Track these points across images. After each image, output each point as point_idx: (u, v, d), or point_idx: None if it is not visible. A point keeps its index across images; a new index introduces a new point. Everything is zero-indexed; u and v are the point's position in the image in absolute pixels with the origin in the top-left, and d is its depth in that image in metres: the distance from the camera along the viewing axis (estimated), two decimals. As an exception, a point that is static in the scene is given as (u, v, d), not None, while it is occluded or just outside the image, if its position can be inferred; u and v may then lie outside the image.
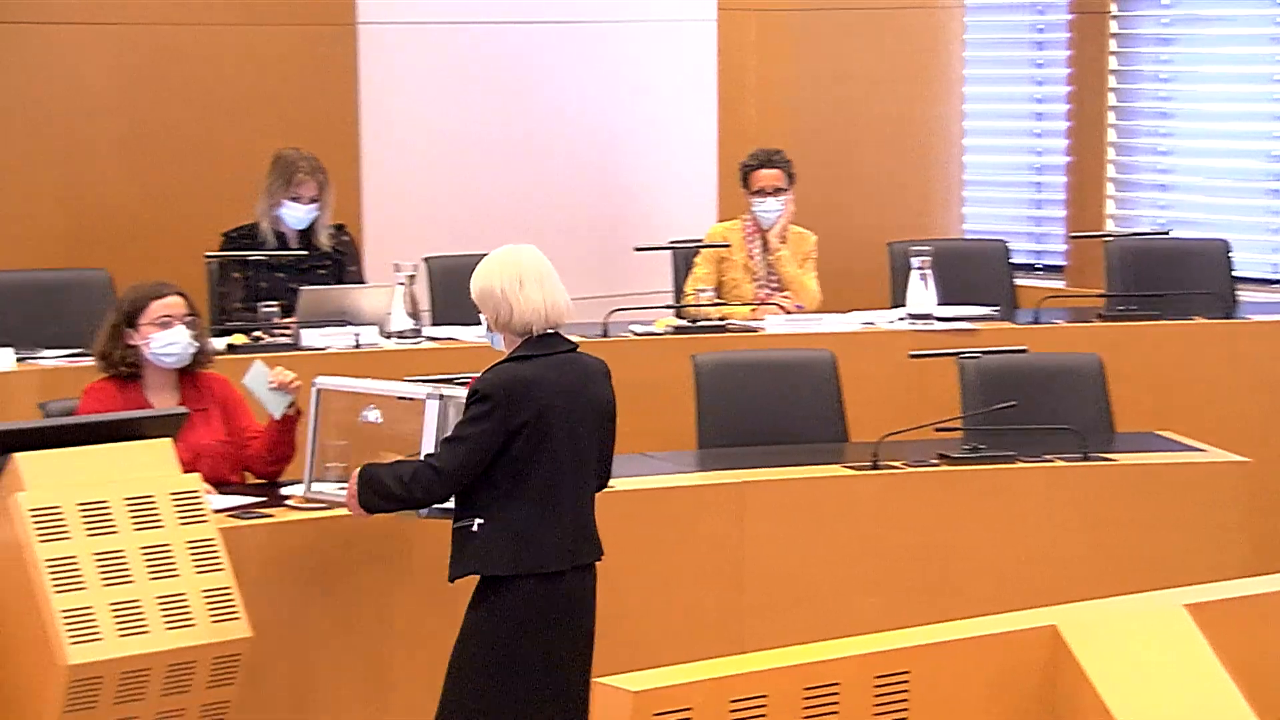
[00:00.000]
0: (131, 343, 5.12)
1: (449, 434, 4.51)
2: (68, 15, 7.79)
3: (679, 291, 7.57)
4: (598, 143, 8.84)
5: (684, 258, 7.62)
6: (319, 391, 4.91)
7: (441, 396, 4.65)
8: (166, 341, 5.10)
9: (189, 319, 5.15)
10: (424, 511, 4.61)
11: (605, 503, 5.26)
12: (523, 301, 4.49)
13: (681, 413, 6.25)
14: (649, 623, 5.30)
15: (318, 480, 4.82)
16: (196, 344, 5.15)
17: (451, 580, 4.48)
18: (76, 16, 7.80)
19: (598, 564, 4.65)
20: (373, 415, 4.83)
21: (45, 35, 7.76)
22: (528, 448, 4.43)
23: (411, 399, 4.72)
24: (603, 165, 8.81)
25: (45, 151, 7.81)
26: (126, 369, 5.12)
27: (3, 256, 7.34)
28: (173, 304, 5.15)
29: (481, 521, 4.45)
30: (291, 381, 5.11)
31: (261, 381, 5.10)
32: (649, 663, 3.45)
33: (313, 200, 7.09)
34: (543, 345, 4.51)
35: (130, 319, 5.14)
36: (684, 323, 7.16)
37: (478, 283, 4.55)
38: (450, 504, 4.52)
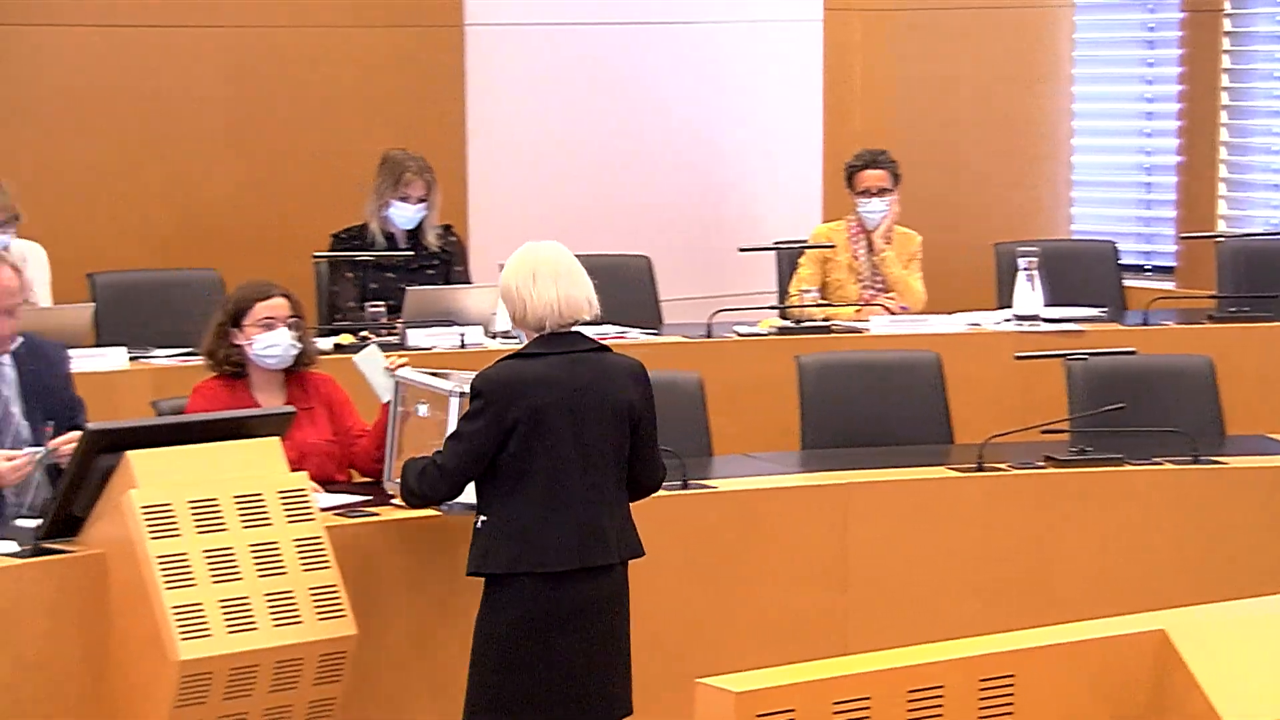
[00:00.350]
0: (236, 342, 5.17)
1: (451, 430, 4.53)
2: (180, 19, 7.89)
3: (783, 292, 7.56)
4: (702, 143, 8.84)
5: (788, 258, 7.60)
6: (398, 384, 4.96)
7: (463, 393, 4.64)
8: (269, 343, 5.15)
9: (292, 320, 5.18)
10: (445, 508, 4.64)
11: (707, 503, 5.28)
12: (535, 298, 4.44)
13: (785, 414, 6.23)
14: (752, 623, 5.29)
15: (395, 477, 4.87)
16: (299, 346, 5.18)
17: (467, 575, 4.48)
18: (189, 20, 7.90)
19: (648, 566, 4.54)
20: (422, 409, 4.87)
21: (158, 38, 7.86)
22: (525, 446, 4.39)
23: (439, 392, 4.76)
24: (707, 166, 8.81)
25: (157, 153, 7.92)
26: (231, 368, 5.17)
27: (116, 256, 7.44)
28: (276, 305, 5.19)
29: (485, 519, 4.45)
30: (401, 366, 5.11)
31: (374, 364, 5.11)
32: (751, 664, 3.45)
33: (420, 200, 7.14)
34: (554, 343, 4.46)
35: (235, 319, 5.18)
36: (788, 323, 7.14)
37: (500, 280, 4.53)
38: (473, 499, 4.53)
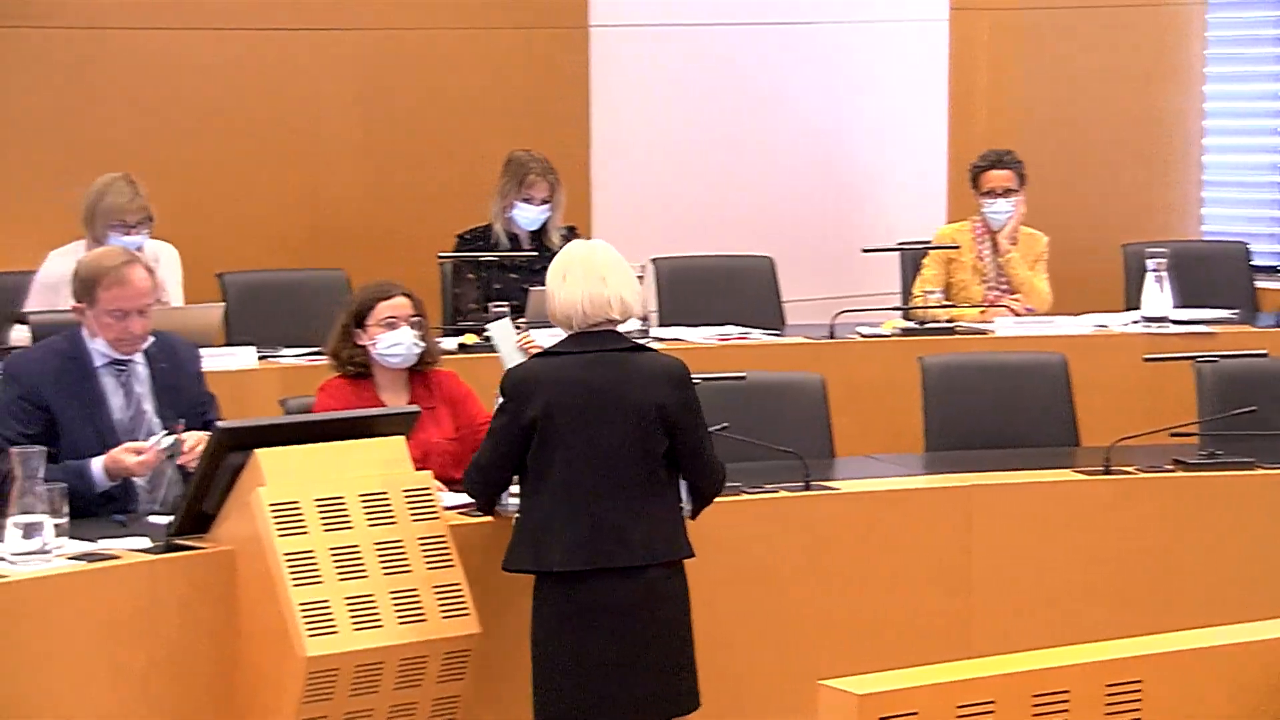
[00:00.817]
0: (359, 342, 5.21)
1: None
2: (311, 21, 7.98)
3: (907, 293, 7.52)
4: (826, 144, 8.81)
5: (912, 259, 7.57)
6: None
7: None
8: (391, 342, 5.18)
9: (414, 320, 5.21)
10: (499, 506, 4.69)
11: (830, 505, 5.26)
12: (561, 295, 4.48)
13: (908, 415, 6.20)
14: (875, 625, 5.27)
15: None
16: (421, 345, 5.22)
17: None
18: (319, 22, 7.99)
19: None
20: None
21: (289, 42, 7.96)
22: (542, 445, 4.42)
23: None
24: (831, 166, 8.78)
25: (285, 155, 8.01)
26: (355, 368, 5.22)
27: (245, 257, 7.54)
28: (399, 305, 5.22)
29: (517, 516, 4.52)
30: (532, 345, 5.13)
31: (507, 337, 5.10)
32: (875, 665, 3.44)
33: (544, 201, 7.17)
34: (582, 342, 4.48)
35: (358, 319, 5.23)
36: (912, 324, 7.11)
37: None
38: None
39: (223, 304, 6.53)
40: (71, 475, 4.67)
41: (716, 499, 4.97)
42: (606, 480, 4.42)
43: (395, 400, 5.23)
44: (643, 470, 4.44)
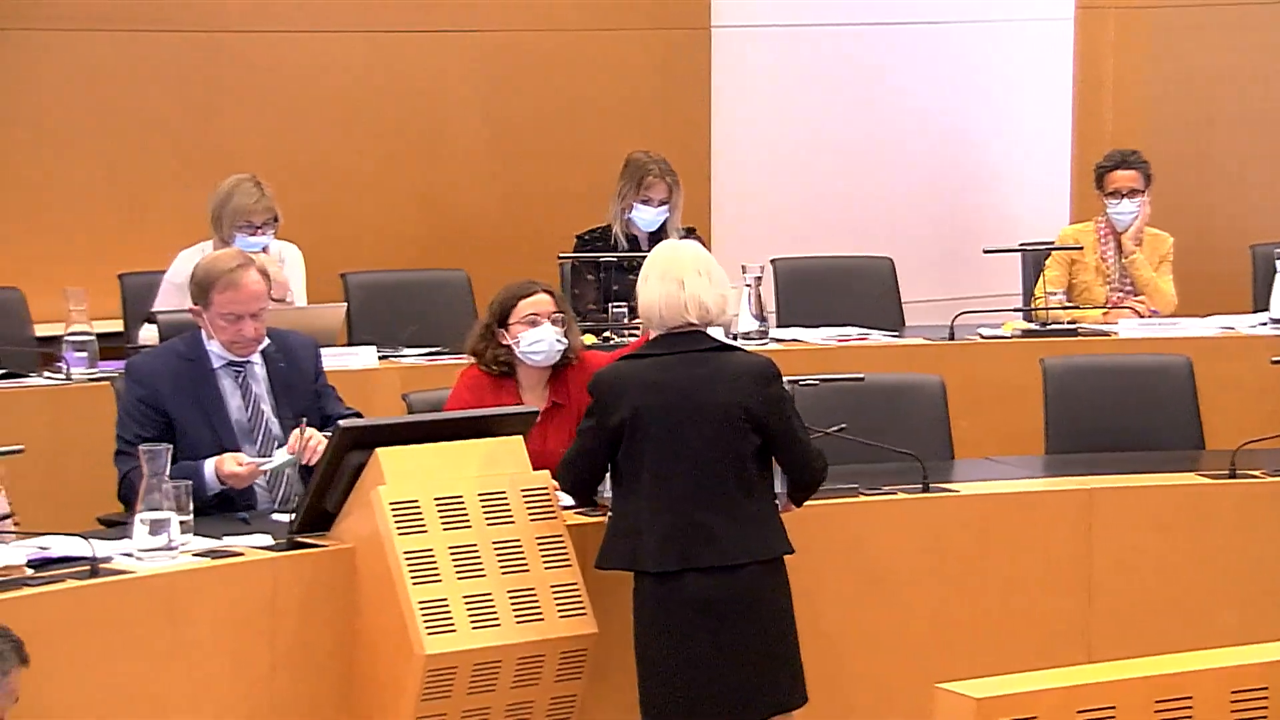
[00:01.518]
0: (503, 342, 5.22)
1: None
2: (432, 23, 8.04)
3: (1028, 294, 7.45)
4: (949, 144, 8.76)
5: (1034, 260, 7.50)
6: None
7: None
8: (533, 340, 5.18)
9: (556, 316, 5.22)
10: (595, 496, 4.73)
11: (948, 506, 5.22)
12: (642, 297, 4.56)
13: (1029, 417, 6.15)
14: (992, 628, 5.22)
15: None
16: (564, 341, 5.21)
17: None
18: (445, 24, 8.05)
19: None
20: None
21: (415, 43, 8.04)
22: (632, 446, 4.47)
23: None
24: (953, 166, 8.73)
25: (409, 156, 8.09)
26: (499, 368, 5.22)
27: (368, 257, 7.62)
28: (540, 302, 5.22)
29: (609, 515, 4.57)
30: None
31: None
32: (992, 669, 3.42)
33: (663, 203, 7.18)
34: (668, 343, 4.52)
35: (501, 319, 5.23)
36: (1033, 326, 7.04)
37: None
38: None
39: (345, 304, 6.59)
40: (185, 476, 4.73)
41: (839, 500, 4.99)
42: (696, 480, 4.46)
43: (535, 400, 5.21)
44: (732, 469, 4.48)
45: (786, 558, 4.59)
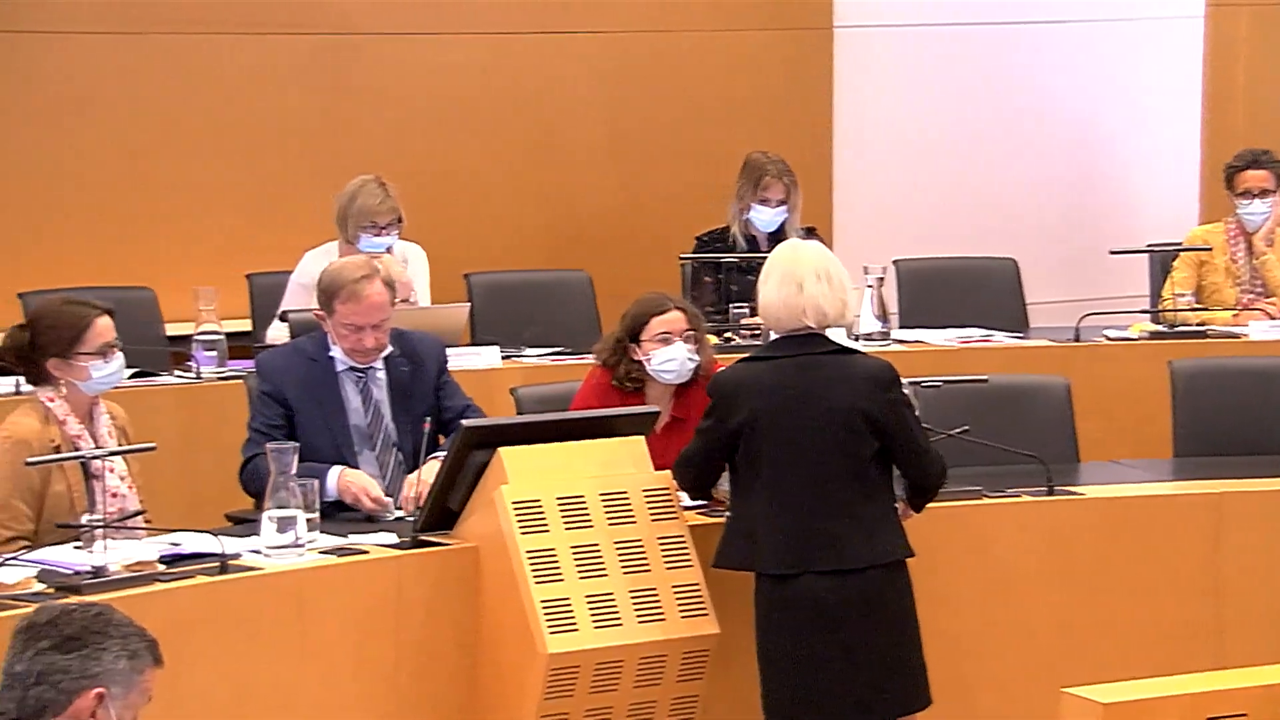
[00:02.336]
0: (635, 358, 5.19)
1: None
2: (554, 24, 8.09)
3: (1156, 296, 7.37)
4: (1076, 143, 8.68)
5: (1162, 261, 7.41)
6: None
7: None
8: (665, 358, 5.16)
9: (688, 334, 5.19)
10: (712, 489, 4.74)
11: (1073, 509, 5.18)
12: (761, 299, 4.56)
13: (1157, 420, 6.08)
14: (1119, 633, 5.17)
15: None
16: (695, 359, 5.18)
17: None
18: (562, 25, 8.09)
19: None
20: None
21: (538, 45, 8.08)
22: (750, 449, 4.46)
23: None
24: (1080, 166, 8.65)
25: (532, 157, 8.13)
26: (632, 384, 5.20)
27: (491, 257, 7.67)
28: (673, 319, 5.19)
29: (728, 515, 4.57)
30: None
31: None
32: (1118, 674, 3.39)
33: (781, 203, 7.17)
34: (788, 346, 4.52)
35: (633, 334, 5.22)
36: (1161, 328, 6.96)
37: None
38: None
39: (468, 304, 6.64)
40: (306, 474, 4.78)
41: (962, 502, 4.96)
42: (813, 483, 4.45)
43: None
44: (850, 473, 4.47)
45: (909, 560, 4.57)
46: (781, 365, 4.50)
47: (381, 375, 5.13)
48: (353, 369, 5.10)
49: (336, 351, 5.09)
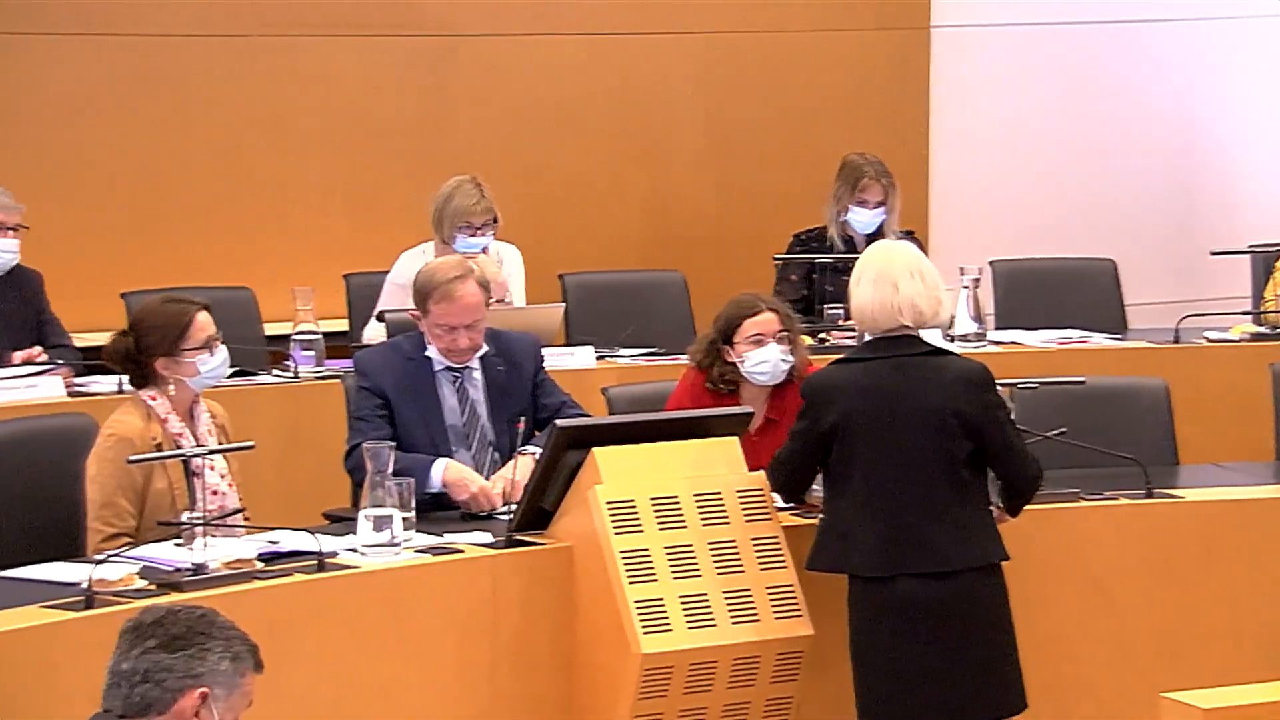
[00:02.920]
0: (728, 359, 5.20)
1: None
2: (652, 25, 8.10)
3: (1258, 297, 7.29)
4: (1175, 144, 8.60)
5: (1264, 262, 7.33)
6: None
7: None
8: (758, 360, 5.17)
9: (781, 335, 5.19)
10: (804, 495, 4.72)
11: (1173, 513, 5.12)
12: (855, 300, 4.52)
13: (1258, 423, 6.01)
14: (1218, 638, 5.12)
15: None
16: (789, 360, 5.18)
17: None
18: (659, 26, 8.11)
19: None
20: None
21: (636, 46, 8.10)
22: (843, 450, 4.44)
23: None
24: (1180, 167, 8.56)
25: (629, 157, 8.16)
26: (726, 385, 5.20)
27: (587, 257, 7.69)
28: (766, 321, 5.19)
29: (822, 517, 4.55)
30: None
31: None
32: (1218, 680, 3.36)
33: (879, 204, 7.14)
34: (882, 347, 4.48)
35: (727, 335, 5.23)
36: (1263, 330, 6.89)
37: None
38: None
39: (563, 304, 6.66)
40: (412, 466, 4.82)
41: (1059, 505, 4.92)
42: (907, 485, 4.43)
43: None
44: (944, 475, 4.44)
45: (1006, 563, 4.54)
46: (875, 366, 4.49)
47: (478, 375, 5.16)
48: (449, 368, 5.13)
49: (433, 351, 5.12)
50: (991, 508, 4.57)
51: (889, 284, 4.47)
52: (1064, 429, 5.03)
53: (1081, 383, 5.52)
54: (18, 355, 6.01)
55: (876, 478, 4.44)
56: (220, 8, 7.55)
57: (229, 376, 5.98)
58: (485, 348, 5.14)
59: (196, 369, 4.74)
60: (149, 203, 7.53)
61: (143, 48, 7.44)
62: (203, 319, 4.77)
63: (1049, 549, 4.97)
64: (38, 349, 6.07)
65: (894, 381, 4.46)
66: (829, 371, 4.58)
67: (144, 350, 4.74)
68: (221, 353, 4.79)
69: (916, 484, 4.43)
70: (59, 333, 6.27)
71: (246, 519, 4.68)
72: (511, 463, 4.91)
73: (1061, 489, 5.03)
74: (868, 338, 4.61)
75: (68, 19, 7.32)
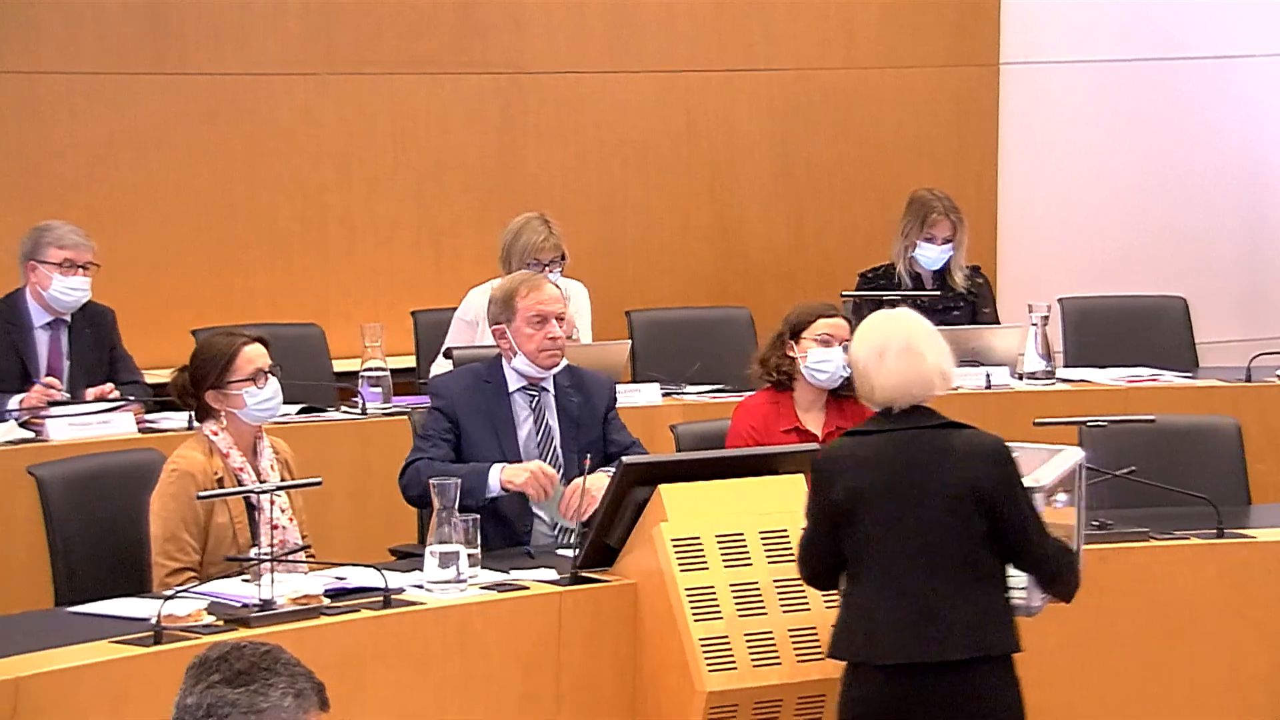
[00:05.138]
0: (790, 353, 5.25)
1: None
2: (722, 63, 8.12)
3: (1332, 335, 7.22)
4: (1247, 180, 8.54)
5: (1338, 299, 7.27)
6: None
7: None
8: (821, 359, 5.21)
9: (846, 344, 5.19)
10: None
11: (1245, 553, 5.07)
12: (884, 375, 4.13)
13: (1332, 462, 5.96)
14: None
15: None
16: (850, 369, 5.16)
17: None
18: (730, 64, 8.13)
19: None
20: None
21: (700, 82, 8.12)
22: (854, 527, 4.09)
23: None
24: (1251, 204, 8.50)
25: (698, 194, 8.18)
26: (779, 376, 5.25)
27: (657, 294, 7.71)
28: (838, 326, 5.25)
29: (842, 601, 4.20)
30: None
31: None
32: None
33: (946, 241, 7.12)
34: (893, 419, 4.13)
35: (795, 331, 5.27)
36: (1336, 367, 6.82)
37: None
38: None
39: (629, 341, 6.66)
40: (469, 474, 4.83)
41: (1129, 544, 4.85)
42: (927, 566, 4.05)
43: (812, 421, 5.24)
44: (961, 553, 4.07)
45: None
46: (888, 439, 4.16)
47: (550, 399, 5.17)
48: (525, 390, 5.14)
49: (517, 365, 5.11)
50: (1042, 599, 4.23)
51: (917, 354, 4.16)
52: (1134, 468, 5.00)
53: (1152, 421, 5.48)
54: (90, 392, 6.06)
55: (895, 556, 4.09)
56: (292, 46, 7.62)
57: (298, 413, 6.05)
58: (564, 363, 5.15)
59: (244, 401, 4.71)
60: (220, 239, 7.59)
61: (216, 86, 7.51)
62: (251, 351, 4.73)
63: (1119, 589, 4.93)
64: (110, 385, 6.12)
65: (909, 454, 4.12)
66: (836, 445, 4.32)
67: (196, 383, 4.75)
68: (272, 386, 4.74)
69: (934, 563, 4.07)
70: (130, 369, 6.32)
71: (311, 555, 4.69)
72: (584, 476, 4.86)
73: (1132, 528, 4.99)
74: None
75: (143, 58, 7.40)
